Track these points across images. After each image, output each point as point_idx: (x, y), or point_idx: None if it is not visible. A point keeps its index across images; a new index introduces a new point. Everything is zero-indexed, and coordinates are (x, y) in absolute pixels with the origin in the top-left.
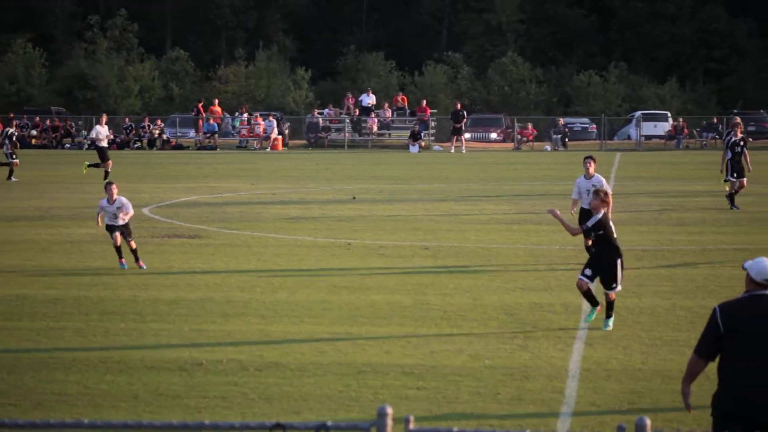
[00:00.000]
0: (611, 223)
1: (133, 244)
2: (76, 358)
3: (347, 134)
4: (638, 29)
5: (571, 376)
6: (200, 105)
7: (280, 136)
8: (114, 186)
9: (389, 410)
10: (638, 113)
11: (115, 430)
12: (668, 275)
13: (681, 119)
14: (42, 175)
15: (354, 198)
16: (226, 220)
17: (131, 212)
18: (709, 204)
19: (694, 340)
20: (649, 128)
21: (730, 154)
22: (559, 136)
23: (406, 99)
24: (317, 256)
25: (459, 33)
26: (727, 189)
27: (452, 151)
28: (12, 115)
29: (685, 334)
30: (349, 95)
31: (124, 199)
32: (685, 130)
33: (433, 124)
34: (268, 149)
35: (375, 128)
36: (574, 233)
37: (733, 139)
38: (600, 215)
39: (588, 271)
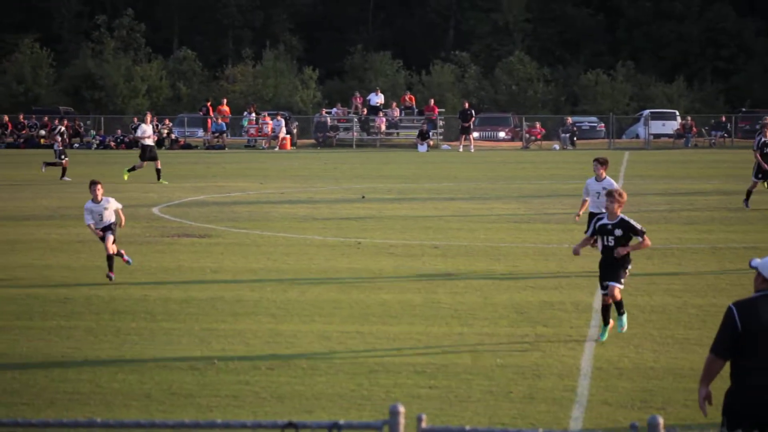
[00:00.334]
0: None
1: (114, 249)
2: (87, 357)
3: (355, 133)
4: (646, 28)
5: (583, 374)
6: (209, 104)
7: (288, 136)
8: (99, 185)
9: (401, 409)
10: (646, 112)
11: (128, 429)
12: (678, 273)
13: (689, 118)
14: (51, 175)
15: (363, 197)
16: (236, 219)
17: (120, 205)
18: (718, 202)
19: (706, 338)
20: (658, 127)
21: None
22: (567, 135)
23: (414, 98)
24: (327, 256)
25: (466, 32)
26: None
27: (460, 150)
28: (62, 117)
29: (696, 332)
30: (357, 94)
31: (111, 199)
32: (694, 129)
33: (441, 123)
34: (277, 149)
35: (383, 127)
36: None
37: (763, 139)
38: (621, 216)
39: (607, 282)
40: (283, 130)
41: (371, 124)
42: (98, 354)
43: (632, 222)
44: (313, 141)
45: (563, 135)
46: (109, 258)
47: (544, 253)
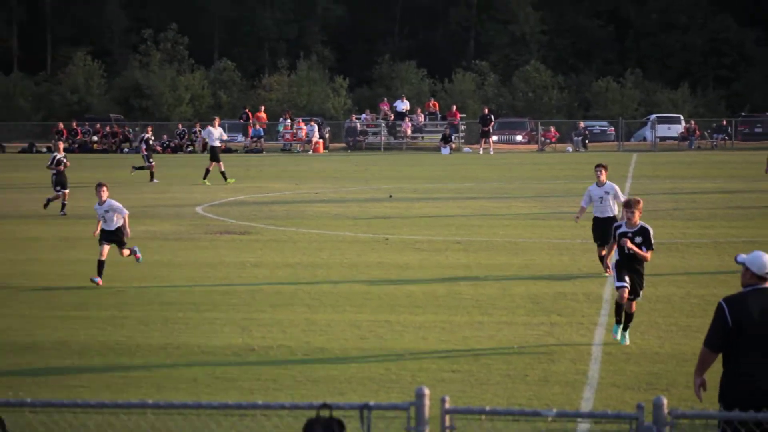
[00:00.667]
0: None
1: (126, 253)
2: (139, 345)
3: (383, 137)
4: (652, 38)
5: (594, 359)
6: (248, 111)
7: (321, 140)
8: (104, 188)
9: (426, 391)
10: (653, 116)
11: (177, 410)
12: (682, 266)
13: (693, 122)
14: (103, 177)
15: (390, 197)
16: (273, 217)
17: (125, 212)
18: (719, 200)
19: (707, 325)
20: (664, 130)
21: None
22: (579, 138)
23: (438, 105)
24: (358, 251)
25: (485, 43)
26: None
27: (481, 152)
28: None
29: (698, 320)
30: (385, 101)
31: (114, 202)
32: (697, 132)
33: (462, 127)
34: (310, 152)
35: (409, 132)
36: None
37: None
38: (641, 224)
39: (627, 279)
40: (317, 134)
41: (398, 128)
42: (149, 341)
43: (651, 233)
44: (344, 145)
45: (576, 138)
46: (100, 264)
47: (558, 248)
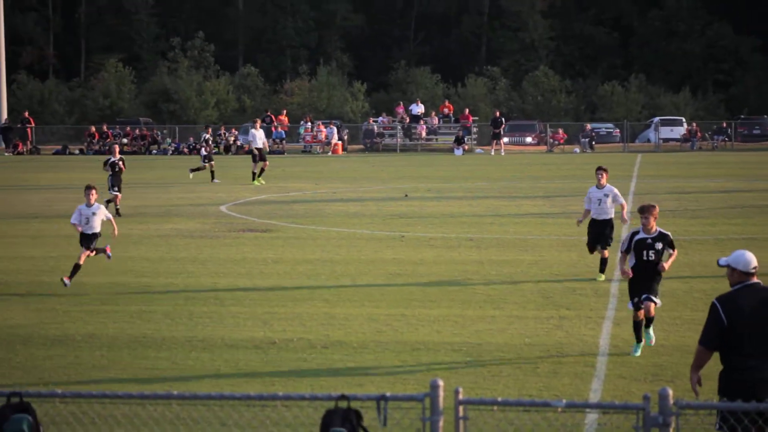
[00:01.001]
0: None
1: (92, 254)
2: (165, 338)
3: (399, 139)
4: (655, 45)
5: (601, 351)
6: (271, 114)
7: (339, 142)
8: (94, 190)
9: (441, 383)
10: (656, 119)
11: (201, 401)
12: (686, 262)
13: (694, 124)
14: (132, 178)
15: (406, 196)
16: (293, 216)
17: (109, 215)
18: (720, 199)
19: None
20: (666, 132)
21: None
22: (586, 139)
23: (452, 107)
24: (374, 248)
25: (496, 49)
26: None
27: (492, 153)
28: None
29: (701, 314)
30: (400, 105)
31: (102, 207)
32: (699, 134)
33: (475, 129)
34: (330, 153)
35: (423, 134)
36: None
37: None
38: (659, 230)
39: (637, 299)
40: (335, 136)
41: (413, 131)
42: (174, 335)
43: (670, 235)
44: (361, 146)
45: (583, 140)
46: (76, 267)
47: (566, 244)
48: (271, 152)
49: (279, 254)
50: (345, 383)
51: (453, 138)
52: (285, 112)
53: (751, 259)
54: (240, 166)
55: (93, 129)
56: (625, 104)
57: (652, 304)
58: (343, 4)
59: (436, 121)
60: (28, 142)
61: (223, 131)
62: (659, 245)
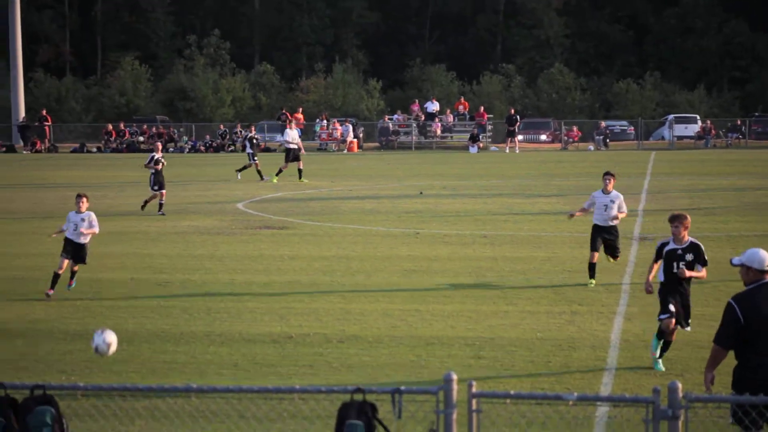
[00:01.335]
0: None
1: (76, 269)
2: (183, 332)
3: (414, 137)
4: (670, 42)
5: (612, 346)
6: (286, 112)
7: (355, 139)
8: (84, 198)
9: (454, 376)
10: (671, 116)
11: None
12: None
13: (709, 122)
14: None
15: (421, 193)
16: (310, 213)
17: (96, 229)
18: (734, 196)
19: (720, 314)
20: (681, 130)
21: None
22: (601, 137)
23: (467, 105)
24: (390, 244)
25: (511, 47)
26: None
27: (507, 151)
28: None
29: (711, 309)
30: (416, 102)
31: (92, 215)
32: (713, 131)
33: (489, 127)
34: (345, 151)
35: (438, 131)
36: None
37: None
38: (691, 240)
39: (673, 308)
40: (351, 134)
41: (428, 128)
42: (193, 329)
43: (703, 248)
44: (377, 144)
45: (597, 137)
46: (56, 276)
47: (579, 241)
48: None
49: (295, 251)
50: (360, 377)
51: (468, 136)
52: (301, 109)
53: (766, 257)
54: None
55: (110, 127)
56: (639, 102)
57: (676, 332)
58: (359, 1)
59: (451, 118)
60: (46, 140)
61: (239, 129)
62: (690, 256)
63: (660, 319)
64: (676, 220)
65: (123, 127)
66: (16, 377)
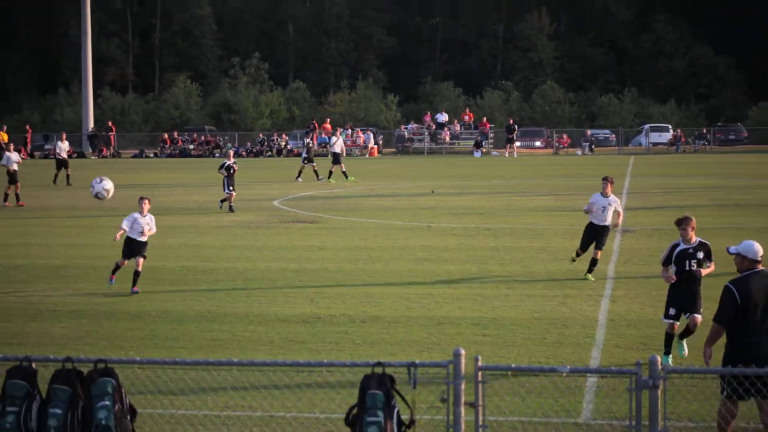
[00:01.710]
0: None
1: (140, 268)
2: (226, 313)
3: (426, 143)
4: (645, 63)
5: (600, 324)
6: (315, 122)
7: (375, 146)
8: (147, 201)
9: (462, 352)
10: (647, 126)
11: (257, 367)
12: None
13: (679, 130)
14: (199, 177)
15: (432, 192)
16: (336, 209)
17: (155, 230)
18: (702, 193)
19: (710, 297)
20: (655, 137)
21: None
22: (587, 143)
23: (472, 116)
24: (405, 236)
25: (510, 67)
26: None
27: (506, 155)
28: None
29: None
30: (428, 114)
31: (153, 218)
32: (683, 139)
33: (491, 135)
34: (367, 156)
35: (447, 139)
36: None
37: None
38: (699, 239)
39: (672, 311)
40: (372, 141)
41: (438, 136)
42: (234, 310)
43: (710, 245)
44: (394, 150)
45: (584, 144)
46: (136, 274)
47: (570, 233)
48: (317, 155)
49: (324, 242)
50: (380, 352)
51: (473, 142)
52: (329, 120)
53: (759, 249)
54: (291, 166)
55: (165, 136)
56: (619, 113)
57: (698, 318)
58: (379, 29)
59: (458, 128)
60: (111, 148)
61: (275, 137)
62: (700, 254)
63: (663, 321)
64: (683, 222)
65: (176, 136)
66: (82, 352)
